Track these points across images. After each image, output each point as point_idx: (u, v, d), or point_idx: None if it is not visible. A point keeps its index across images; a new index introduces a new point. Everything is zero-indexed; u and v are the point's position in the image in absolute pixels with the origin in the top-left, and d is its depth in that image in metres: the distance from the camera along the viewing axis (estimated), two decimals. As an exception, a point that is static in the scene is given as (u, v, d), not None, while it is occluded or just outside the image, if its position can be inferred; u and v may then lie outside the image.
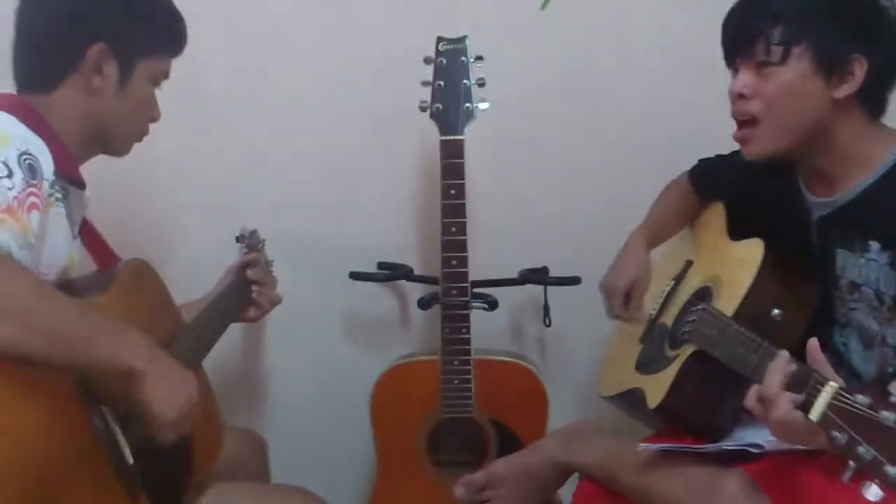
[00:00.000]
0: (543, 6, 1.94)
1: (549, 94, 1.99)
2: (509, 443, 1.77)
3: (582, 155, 2.03)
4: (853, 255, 1.34)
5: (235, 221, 1.83)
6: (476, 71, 1.69)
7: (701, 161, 1.72)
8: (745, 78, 1.33)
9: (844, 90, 1.29)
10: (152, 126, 1.43)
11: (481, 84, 1.69)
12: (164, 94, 1.43)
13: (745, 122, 1.36)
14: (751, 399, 1.14)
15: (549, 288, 1.97)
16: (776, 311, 1.36)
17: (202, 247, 1.97)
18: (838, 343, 1.39)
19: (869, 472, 0.93)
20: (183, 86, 1.46)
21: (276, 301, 1.73)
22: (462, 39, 1.69)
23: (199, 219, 2.00)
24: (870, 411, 0.95)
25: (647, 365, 1.61)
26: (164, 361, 1.16)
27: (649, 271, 1.69)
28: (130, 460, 1.17)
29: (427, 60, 1.69)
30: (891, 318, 1.30)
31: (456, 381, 1.75)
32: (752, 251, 1.44)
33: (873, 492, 0.92)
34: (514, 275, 1.96)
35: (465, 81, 1.69)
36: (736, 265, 1.47)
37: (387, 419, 1.84)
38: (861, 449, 0.94)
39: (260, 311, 1.71)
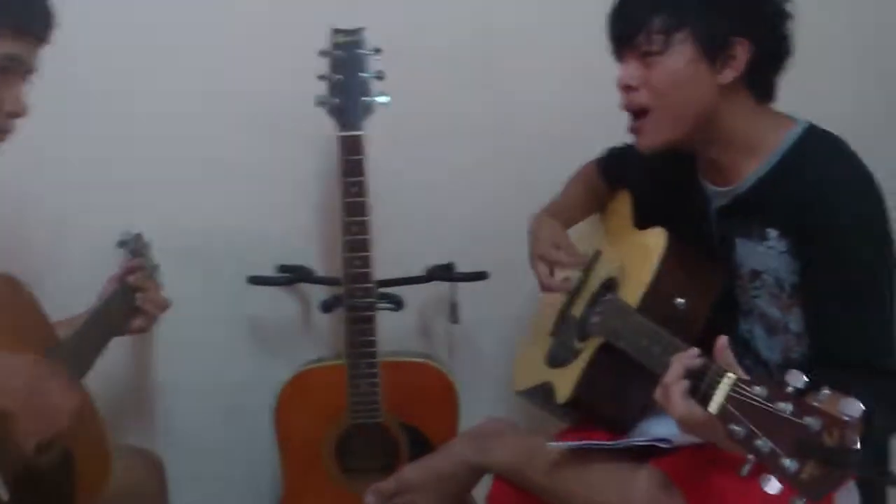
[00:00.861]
0: None
1: (450, 86, 1.98)
2: (421, 446, 1.76)
3: (487, 147, 2.03)
4: (752, 243, 1.37)
5: (121, 227, 1.76)
6: (374, 64, 1.66)
7: (609, 149, 1.74)
8: (631, 69, 1.36)
9: (729, 75, 1.31)
10: (28, 125, 1.34)
11: (380, 77, 1.66)
12: (41, 92, 1.35)
13: (637, 114, 1.38)
14: (657, 392, 1.15)
15: (457, 284, 1.97)
16: (679, 301, 1.39)
17: (84, 257, 1.89)
18: (743, 331, 1.42)
19: (767, 464, 0.93)
20: (62, 83, 1.39)
21: (162, 305, 1.64)
22: (358, 31, 1.66)
23: (80, 225, 1.92)
24: (767, 403, 0.95)
25: (556, 358, 1.61)
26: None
27: (566, 235, 1.67)
28: (5, 497, 1.11)
29: (322, 53, 1.66)
30: (791, 305, 1.33)
31: (363, 386, 1.73)
32: (654, 240, 1.46)
33: (772, 485, 0.93)
34: (421, 272, 1.95)
35: (362, 74, 1.66)
36: (639, 254, 1.48)
37: (292, 428, 1.80)
38: (759, 442, 0.94)
39: (147, 319, 1.62)
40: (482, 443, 1.54)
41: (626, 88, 1.37)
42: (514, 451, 1.49)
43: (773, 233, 1.33)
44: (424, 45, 1.95)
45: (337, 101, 1.66)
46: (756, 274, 1.37)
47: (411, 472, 1.59)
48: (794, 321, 1.34)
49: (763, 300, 1.38)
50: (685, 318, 1.37)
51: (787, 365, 1.35)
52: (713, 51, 1.30)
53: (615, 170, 1.71)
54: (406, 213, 1.99)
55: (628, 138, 1.53)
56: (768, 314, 1.37)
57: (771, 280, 1.35)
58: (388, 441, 1.80)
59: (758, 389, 0.98)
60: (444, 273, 1.95)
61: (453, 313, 1.99)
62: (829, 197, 1.27)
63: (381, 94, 1.66)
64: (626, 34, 1.35)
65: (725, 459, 1.25)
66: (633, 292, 1.43)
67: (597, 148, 1.76)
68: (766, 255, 1.35)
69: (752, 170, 1.36)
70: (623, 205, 1.68)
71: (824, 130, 1.36)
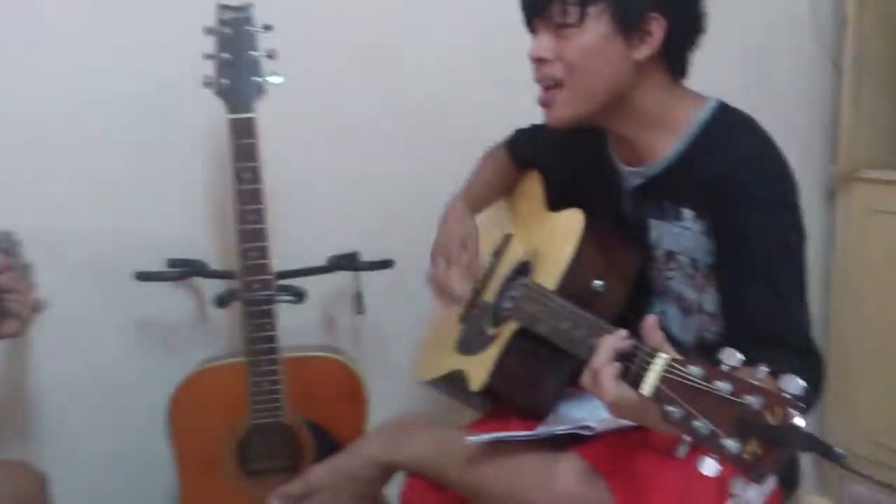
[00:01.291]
0: None
1: (348, 65, 1.93)
2: (328, 445, 1.70)
3: (388, 130, 1.98)
4: (667, 224, 1.36)
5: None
6: (265, 41, 1.59)
7: (518, 131, 1.71)
8: (544, 41, 1.32)
9: (645, 50, 1.29)
10: None
11: (272, 56, 1.59)
12: None
13: (549, 87, 1.35)
14: (585, 377, 1.12)
15: (361, 273, 1.92)
16: (598, 283, 1.36)
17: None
18: (657, 313, 1.40)
19: (705, 446, 0.91)
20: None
21: (35, 307, 1.51)
22: (246, 7, 1.59)
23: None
24: (704, 382, 0.93)
25: (468, 345, 1.58)
26: None
27: (476, 229, 1.66)
28: None
29: (208, 31, 1.58)
30: (706, 286, 1.33)
31: (264, 384, 1.66)
32: (571, 222, 1.43)
33: (709, 466, 0.90)
34: (323, 262, 1.89)
35: (252, 53, 1.58)
36: (555, 237, 1.46)
37: (188, 432, 1.71)
38: (697, 423, 0.92)
39: (20, 322, 1.50)
40: (393, 439, 1.50)
41: (539, 61, 1.33)
42: (428, 445, 1.45)
43: (687, 213, 1.32)
44: (322, 21, 1.90)
45: (225, 81, 1.58)
46: (671, 255, 1.36)
47: (318, 472, 1.54)
48: (709, 301, 1.33)
49: (678, 281, 1.37)
50: (604, 300, 1.35)
51: (701, 346, 1.34)
52: (629, 26, 1.28)
53: (525, 151, 1.69)
54: (305, 200, 1.93)
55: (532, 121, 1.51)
56: (683, 295, 1.37)
57: (686, 261, 1.34)
58: (292, 441, 1.74)
59: (693, 369, 0.95)
60: (347, 262, 1.90)
61: (358, 304, 1.94)
62: (741, 174, 1.27)
63: (274, 73, 1.59)
64: (539, 4, 1.31)
65: (649, 444, 1.25)
66: (549, 275, 1.40)
67: (502, 132, 1.73)
68: (680, 236, 1.34)
69: (665, 149, 1.34)
70: (534, 187, 1.65)
71: (735, 108, 1.36)
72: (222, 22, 1.58)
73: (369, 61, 1.95)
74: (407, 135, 1.99)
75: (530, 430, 1.37)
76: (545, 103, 1.36)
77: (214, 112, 1.60)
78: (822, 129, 2.32)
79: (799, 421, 0.86)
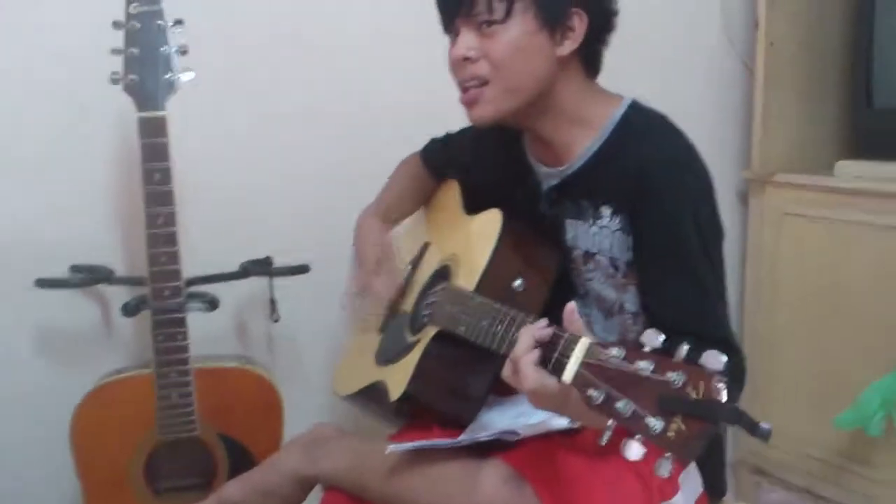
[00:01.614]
0: None
1: (263, 62, 1.89)
2: (242, 459, 1.66)
3: (303, 130, 1.94)
4: (584, 224, 1.36)
5: None
6: (176, 36, 1.54)
7: (432, 140, 1.70)
8: (469, 39, 1.31)
9: (568, 46, 1.30)
10: None
11: (184, 52, 1.55)
12: None
13: (474, 86, 1.33)
14: (506, 368, 1.11)
15: (275, 279, 1.87)
16: (518, 282, 1.36)
17: None
18: (581, 315, 1.40)
19: (630, 427, 0.90)
20: None
21: None
22: (156, 1, 1.53)
23: None
24: (625, 363, 0.93)
25: (387, 355, 1.55)
26: None
27: (391, 246, 1.64)
28: None
29: (117, 25, 1.52)
30: (627, 284, 1.33)
31: (174, 396, 1.61)
32: (489, 223, 1.43)
33: (634, 451, 0.90)
34: (235, 268, 1.83)
35: (163, 48, 1.53)
36: (474, 239, 1.45)
37: (93, 449, 1.65)
38: (619, 404, 0.91)
39: None
40: (311, 451, 1.46)
41: (464, 60, 1.32)
42: (348, 457, 1.41)
43: (605, 211, 1.33)
44: (236, 15, 1.86)
45: (134, 77, 1.53)
46: (589, 255, 1.37)
47: (233, 488, 1.49)
48: (630, 301, 1.34)
49: (598, 282, 1.37)
50: (524, 300, 1.34)
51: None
52: (553, 22, 1.29)
53: (440, 160, 1.68)
54: (218, 203, 1.88)
55: (456, 123, 1.49)
56: (603, 296, 1.37)
57: (605, 260, 1.35)
58: (205, 456, 1.69)
59: (614, 351, 0.95)
60: (261, 268, 1.85)
61: (272, 311, 1.89)
62: (657, 170, 1.28)
63: (186, 70, 1.55)
64: (463, 2, 1.30)
65: (575, 447, 1.25)
66: (468, 277, 1.39)
67: (417, 135, 1.71)
68: (598, 235, 1.34)
69: (582, 148, 1.35)
70: (450, 195, 1.64)
71: (648, 107, 1.38)
72: (131, 16, 1.52)
73: (285, 58, 1.91)
74: (323, 134, 1.96)
75: (453, 438, 1.34)
76: (469, 102, 1.35)
77: (123, 109, 1.54)
78: (736, 133, 2.36)
79: (723, 395, 0.86)
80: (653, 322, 1.28)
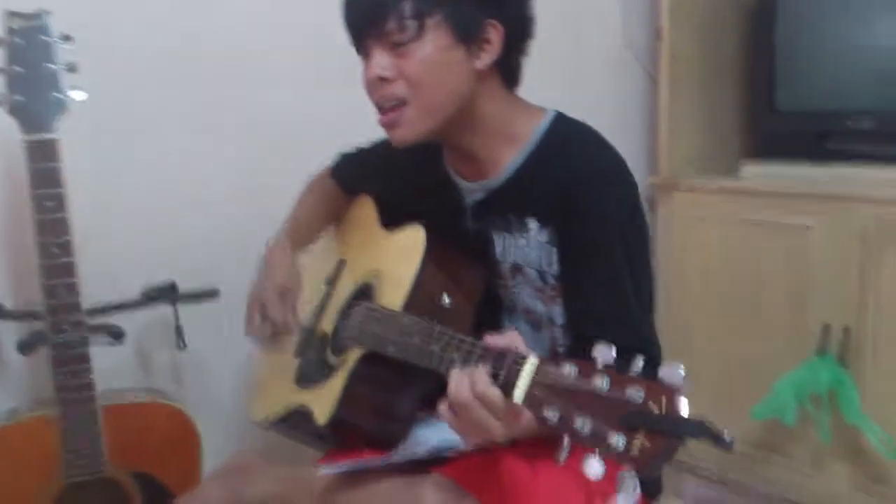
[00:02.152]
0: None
1: (160, 79, 1.83)
2: (159, 497, 1.60)
3: (207, 148, 1.89)
4: (512, 237, 1.35)
5: None
6: (64, 53, 1.47)
7: (341, 155, 1.67)
8: (383, 60, 1.28)
9: (486, 59, 1.29)
10: None
11: (72, 69, 1.48)
12: None
13: (392, 107, 1.31)
14: (446, 408, 1.08)
15: (181, 306, 1.80)
16: (446, 299, 1.34)
17: None
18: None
19: (589, 445, 0.89)
20: None
21: None
22: (39, 15, 1.46)
23: None
24: (579, 381, 0.92)
25: (308, 379, 1.50)
26: None
27: (299, 276, 1.59)
28: None
29: (-2, 41, 1.45)
30: (555, 297, 1.33)
31: (81, 437, 1.53)
32: (412, 239, 1.40)
33: (595, 468, 0.89)
34: (137, 295, 1.76)
35: (49, 66, 1.46)
36: (397, 256, 1.42)
37: (-10, 500, 1.55)
38: (577, 423, 0.90)
39: None
40: (234, 481, 1.41)
41: (380, 81, 1.29)
42: (276, 484, 1.38)
43: (532, 223, 1.32)
44: (127, 30, 1.79)
45: (19, 98, 1.46)
46: (517, 268, 1.36)
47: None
48: (559, 313, 1.33)
49: (526, 295, 1.36)
50: (453, 316, 1.32)
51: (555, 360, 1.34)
52: (468, 35, 1.27)
53: (352, 176, 1.65)
54: (115, 228, 1.81)
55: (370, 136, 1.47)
56: (532, 309, 1.36)
57: (533, 273, 1.34)
58: (117, 497, 1.61)
59: (567, 368, 0.93)
60: (167, 294, 1.78)
61: (179, 339, 1.82)
62: (584, 181, 1.28)
63: (76, 89, 1.48)
64: (372, 21, 1.27)
65: (517, 453, 1.23)
66: (394, 295, 1.36)
67: (329, 150, 1.68)
68: (526, 248, 1.34)
69: (507, 160, 1.34)
70: (365, 211, 1.61)
71: (572, 118, 1.38)
72: (12, 31, 1.45)
73: (184, 74, 1.85)
74: (229, 153, 1.91)
75: (386, 457, 1.31)
76: (389, 124, 1.32)
77: (9, 132, 1.46)
78: (642, 141, 2.41)
79: (685, 409, 0.86)
80: (579, 335, 1.30)
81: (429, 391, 1.33)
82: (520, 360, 1.01)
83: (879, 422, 1.92)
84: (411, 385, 1.30)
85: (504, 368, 1.02)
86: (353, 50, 1.33)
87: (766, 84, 2.21)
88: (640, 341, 1.27)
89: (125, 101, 1.77)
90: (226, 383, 1.93)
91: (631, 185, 1.32)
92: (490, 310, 1.39)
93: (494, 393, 1.02)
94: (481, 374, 1.04)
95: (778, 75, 2.20)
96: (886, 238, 1.93)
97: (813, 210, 2.04)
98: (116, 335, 1.63)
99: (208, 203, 1.90)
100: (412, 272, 1.34)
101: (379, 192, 1.58)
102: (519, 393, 0.98)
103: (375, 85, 1.29)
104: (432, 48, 1.26)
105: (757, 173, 2.20)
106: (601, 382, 0.90)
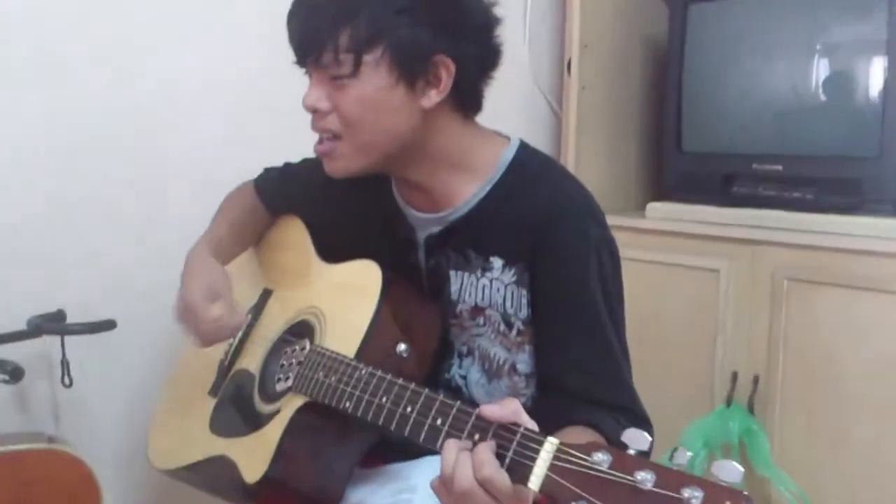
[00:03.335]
0: None
1: (37, 91, 1.68)
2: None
3: (101, 165, 1.75)
4: (472, 275, 1.29)
5: None
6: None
7: (268, 170, 1.57)
8: (319, 90, 1.22)
9: (433, 97, 1.22)
10: None
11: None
12: None
13: (328, 138, 1.25)
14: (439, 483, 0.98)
15: (67, 338, 1.65)
16: (402, 347, 1.25)
17: None
18: (456, 376, 1.33)
19: None
20: None
21: None
22: None
23: None
24: (617, 472, 0.84)
25: (229, 425, 1.38)
26: None
27: (226, 274, 1.43)
28: None
29: None
30: (522, 343, 1.27)
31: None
32: (366, 277, 1.30)
33: None
34: (23, 326, 1.62)
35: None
36: (346, 295, 1.33)
37: None
38: None
39: None
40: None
41: (314, 111, 1.23)
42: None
43: (496, 261, 1.27)
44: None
45: None
46: (478, 310, 1.29)
47: None
48: (524, 361, 1.28)
49: (486, 339, 1.29)
50: (410, 366, 1.24)
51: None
52: (412, 75, 1.19)
53: (278, 195, 1.54)
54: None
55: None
56: (492, 355, 1.30)
57: (496, 316, 1.28)
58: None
59: (600, 456, 0.85)
60: (54, 325, 1.63)
61: (64, 374, 1.66)
62: (558, 220, 1.24)
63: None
64: (308, 49, 1.20)
65: None
66: (344, 339, 1.25)
67: (240, 162, 1.60)
68: (489, 289, 1.28)
69: (467, 193, 1.28)
70: (296, 235, 1.50)
71: (535, 149, 1.33)
72: None
73: (61, 80, 1.71)
74: (128, 171, 1.78)
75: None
76: (323, 154, 1.26)
77: None
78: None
79: None
80: (555, 386, 1.24)
81: (371, 447, 1.26)
82: (534, 440, 0.92)
83: (790, 472, 1.91)
84: (353, 440, 1.23)
85: (512, 447, 0.94)
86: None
87: (674, 124, 2.22)
88: (629, 398, 1.25)
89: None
90: (115, 425, 1.78)
91: (602, 221, 1.28)
92: (438, 354, 1.31)
93: (503, 480, 0.93)
94: (486, 454, 0.94)
95: (685, 116, 2.20)
96: (795, 284, 1.95)
97: (721, 253, 2.05)
98: (13, 374, 1.48)
99: (99, 223, 1.76)
100: (368, 317, 1.25)
101: (312, 217, 1.48)
102: (535, 480, 0.90)
103: (311, 112, 1.24)
104: (370, 87, 1.19)
105: (664, 214, 2.21)
106: (646, 476, 0.83)
